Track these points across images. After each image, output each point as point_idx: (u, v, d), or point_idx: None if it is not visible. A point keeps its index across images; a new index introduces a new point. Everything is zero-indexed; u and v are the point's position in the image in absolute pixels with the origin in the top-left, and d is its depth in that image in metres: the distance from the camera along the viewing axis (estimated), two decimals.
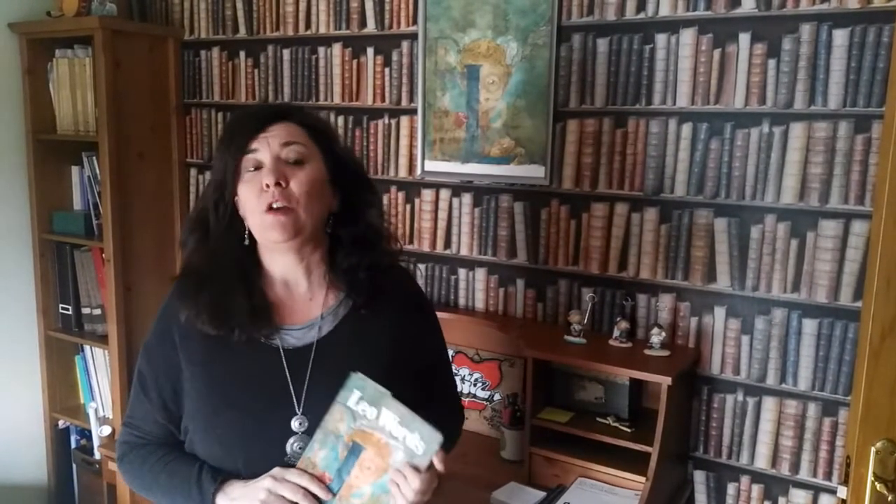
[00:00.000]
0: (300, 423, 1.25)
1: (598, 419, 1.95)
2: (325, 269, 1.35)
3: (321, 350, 1.30)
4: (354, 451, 1.20)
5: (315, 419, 1.23)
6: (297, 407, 1.26)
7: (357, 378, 1.21)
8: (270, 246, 1.30)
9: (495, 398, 2.23)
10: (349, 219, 1.35)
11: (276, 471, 1.21)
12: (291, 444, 1.25)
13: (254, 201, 1.25)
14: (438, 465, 1.19)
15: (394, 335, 1.37)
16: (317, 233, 1.32)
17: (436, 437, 1.18)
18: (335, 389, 1.21)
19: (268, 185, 1.23)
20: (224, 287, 1.28)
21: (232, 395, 1.27)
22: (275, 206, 1.24)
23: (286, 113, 1.32)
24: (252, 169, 1.26)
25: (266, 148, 1.26)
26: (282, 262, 1.33)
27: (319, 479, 1.20)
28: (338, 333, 1.33)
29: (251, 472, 1.23)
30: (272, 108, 1.36)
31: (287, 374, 1.28)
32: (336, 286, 1.35)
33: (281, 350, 1.29)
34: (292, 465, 1.22)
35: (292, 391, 1.27)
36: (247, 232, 1.31)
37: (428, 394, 1.39)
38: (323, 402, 1.22)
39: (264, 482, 1.20)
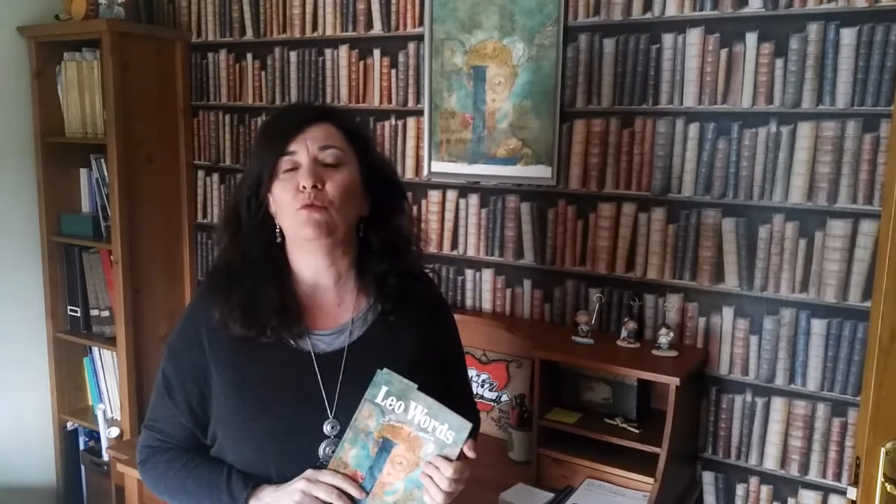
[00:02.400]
0: (332, 427, 1.26)
1: (605, 420, 1.94)
2: (354, 274, 1.36)
3: (352, 355, 1.31)
4: (385, 447, 1.21)
5: (347, 423, 1.23)
6: (329, 411, 1.26)
7: (384, 374, 1.22)
8: (302, 245, 1.30)
9: (503, 399, 2.23)
10: (380, 224, 1.35)
11: (309, 472, 1.22)
12: (323, 448, 1.25)
13: (289, 201, 1.25)
14: (469, 453, 1.21)
15: (419, 341, 1.38)
16: (348, 237, 1.32)
17: (465, 426, 1.20)
18: None
19: (304, 187, 1.23)
20: (255, 285, 1.28)
21: (264, 401, 1.27)
22: (309, 203, 1.24)
23: (325, 114, 1.32)
24: (289, 169, 1.26)
25: (304, 150, 1.26)
26: (312, 263, 1.32)
27: (352, 478, 1.21)
28: (367, 338, 1.33)
29: (283, 477, 1.24)
30: (312, 108, 1.36)
31: (319, 378, 1.28)
32: (365, 292, 1.36)
33: (312, 355, 1.29)
34: (324, 468, 1.23)
35: (324, 396, 1.27)
36: (278, 230, 1.31)
37: (447, 398, 1.39)
38: (354, 407, 1.23)
39: (298, 484, 1.21)
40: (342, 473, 1.21)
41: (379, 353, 1.30)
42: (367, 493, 1.20)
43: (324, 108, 1.36)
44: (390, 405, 1.21)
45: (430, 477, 1.20)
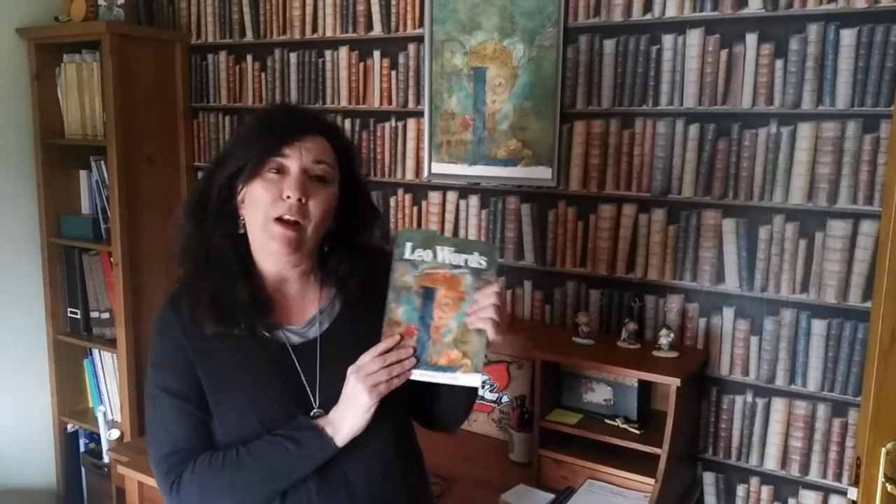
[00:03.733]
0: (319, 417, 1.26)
1: (606, 421, 1.94)
2: (315, 268, 1.36)
3: (325, 344, 1.31)
4: (428, 295, 1.26)
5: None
6: (313, 401, 1.27)
7: (404, 233, 1.28)
8: (266, 251, 1.30)
9: (503, 400, 2.23)
10: (346, 236, 1.35)
11: (351, 368, 1.23)
12: None
13: (266, 204, 1.25)
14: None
15: None
16: (312, 248, 1.33)
17: (491, 246, 1.28)
18: (346, 380, 1.23)
19: (288, 197, 1.24)
20: (222, 280, 1.28)
21: (253, 395, 1.26)
22: (286, 217, 1.24)
23: (323, 128, 1.33)
24: (274, 171, 1.26)
25: (297, 158, 1.26)
26: (274, 262, 1.32)
27: (407, 332, 1.25)
28: (337, 326, 1.34)
29: None
30: (314, 119, 1.34)
31: (299, 369, 1.29)
32: (328, 283, 1.36)
33: (289, 346, 1.30)
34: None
35: (306, 386, 1.28)
36: (241, 220, 1.30)
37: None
38: (337, 394, 1.24)
39: (350, 384, 1.22)
40: (392, 335, 1.24)
41: (351, 337, 1.30)
42: (426, 340, 1.25)
43: (325, 122, 1.36)
44: (419, 257, 1.26)
45: (479, 304, 1.24)
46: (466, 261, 1.26)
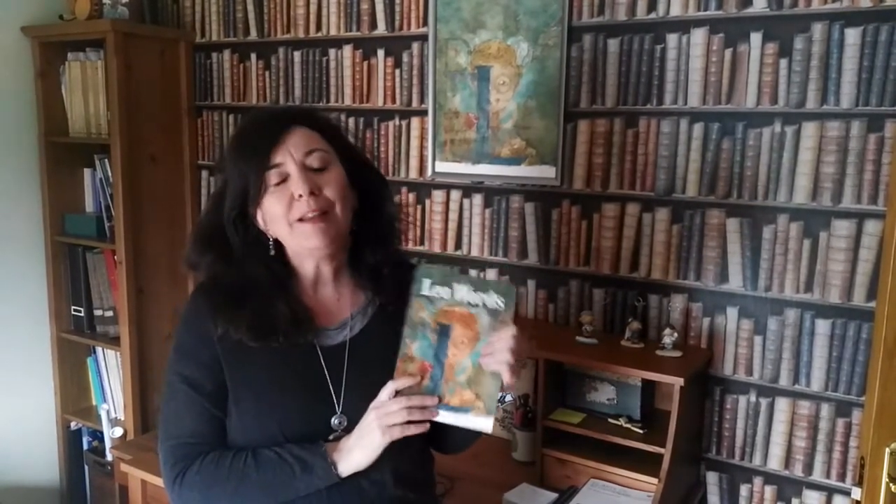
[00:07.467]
0: (339, 423, 1.26)
1: (610, 420, 1.94)
2: (349, 269, 1.36)
3: (354, 348, 1.31)
4: (444, 332, 1.25)
5: (353, 418, 1.24)
6: (336, 405, 1.27)
7: (423, 269, 1.28)
8: (305, 252, 1.30)
9: (507, 399, 2.23)
10: (370, 215, 1.35)
11: (374, 402, 1.22)
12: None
13: (283, 212, 1.25)
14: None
15: None
16: (346, 233, 1.33)
17: (511, 289, 1.27)
18: (371, 387, 1.23)
19: (300, 196, 1.23)
20: (263, 300, 1.27)
21: (275, 395, 1.27)
22: (309, 215, 1.24)
23: (299, 117, 1.32)
24: (277, 181, 1.25)
25: (290, 159, 1.25)
26: (314, 264, 1.33)
27: (421, 369, 1.24)
28: (369, 331, 1.34)
29: None
30: (285, 113, 1.34)
31: (325, 371, 1.29)
32: (362, 286, 1.36)
33: (318, 348, 1.30)
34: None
35: (331, 389, 1.28)
36: (271, 242, 1.30)
37: None
38: (360, 401, 1.23)
39: (368, 419, 1.21)
40: (406, 375, 1.23)
41: (380, 345, 1.30)
42: (440, 378, 1.24)
43: (295, 111, 1.36)
44: (437, 293, 1.26)
45: (493, 344, 1.22)
46: (484, 300, 1.24)
